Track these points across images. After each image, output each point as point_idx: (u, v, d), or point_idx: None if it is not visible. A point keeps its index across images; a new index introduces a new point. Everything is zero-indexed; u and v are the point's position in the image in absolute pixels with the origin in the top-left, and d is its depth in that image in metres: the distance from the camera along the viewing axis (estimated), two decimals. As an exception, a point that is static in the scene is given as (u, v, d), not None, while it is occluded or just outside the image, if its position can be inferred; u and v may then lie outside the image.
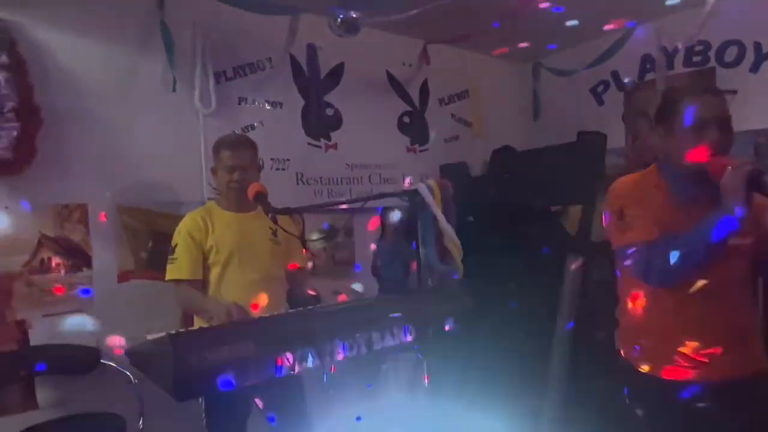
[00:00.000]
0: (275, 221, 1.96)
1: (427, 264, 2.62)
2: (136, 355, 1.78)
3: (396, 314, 1.87)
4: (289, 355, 1.64)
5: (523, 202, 3.10)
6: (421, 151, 3.94)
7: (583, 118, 4.16)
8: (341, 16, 2.62)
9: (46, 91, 2.47)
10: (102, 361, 2.51)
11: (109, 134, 2.68)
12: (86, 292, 2.55)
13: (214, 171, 2.28)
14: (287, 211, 2.11)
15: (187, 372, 1.43)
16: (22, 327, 2.41)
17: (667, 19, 3.55)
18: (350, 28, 2.69)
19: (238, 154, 2.18)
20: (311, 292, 2.36)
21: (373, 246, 3.62)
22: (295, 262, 2.41)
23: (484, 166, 4.14)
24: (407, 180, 3.85)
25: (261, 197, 2.08)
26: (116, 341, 2.54)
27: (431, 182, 2.60)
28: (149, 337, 1.75)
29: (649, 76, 3.85)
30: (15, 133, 2.23)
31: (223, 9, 2.79)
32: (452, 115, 4.18)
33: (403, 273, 3.73)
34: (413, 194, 2.53)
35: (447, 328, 2.12)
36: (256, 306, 2.19)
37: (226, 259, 2.18)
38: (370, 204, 2.04)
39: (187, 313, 2.53)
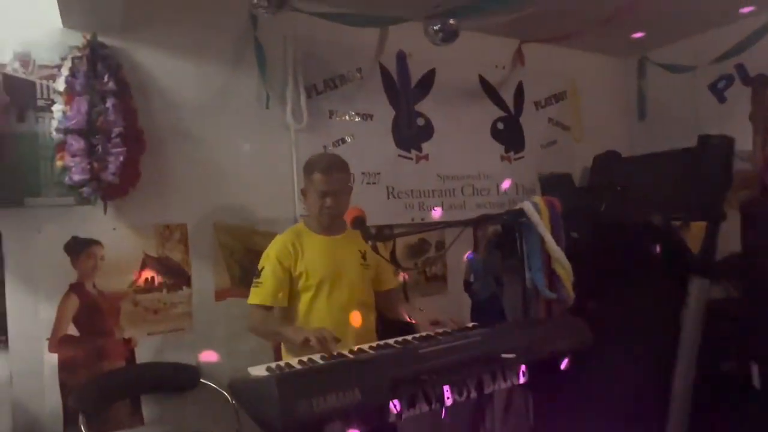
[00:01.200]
0: (376, 249, 1.85)
1: (534, 290, 2.43)
2: (239, 391, 1.74)
3: (509, 355, 1.70)
4: (396, 402, 1.53)
5: (638, 216, 2.79)
6: (516, 159, 3.71)
7: (700, 118, 3.74)
8: (438, 24, 2.47)
9: (147, 113, 2.53)
10: (201, 380, 2.53)
11: (206, 154, 2.71)
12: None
13: (304, 192, 2.19)
14: (387, 237, 2.00)
15: (294, 422, 1.34)
16: (129, 345, 2.48)
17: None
18: (447, 36, 2.54)
19: (331, 179, 2.07)
20: (407, 319, 2.23)
21: (465, 259, 3.45)
22: (385, 284, 2.29)
23: (585, 173, 3.83)
24: (505, 183, 3.63)
25: (359, 222, 1.99)
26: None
27: (537, 200, 2.40)
28: (251, 371, 1.71)
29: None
30: (122, 158, 2.27)
31: (313, 22, 2.73)
32: (549, 119, 3.91)
33: (495, 288, 3.53)
34: (518, 214, 2.35)
35: (563, 367, 1.93)
36: (356, 321, 2.10)
37: (317, 285, 2.10)
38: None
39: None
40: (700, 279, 2.65)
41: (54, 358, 2.33)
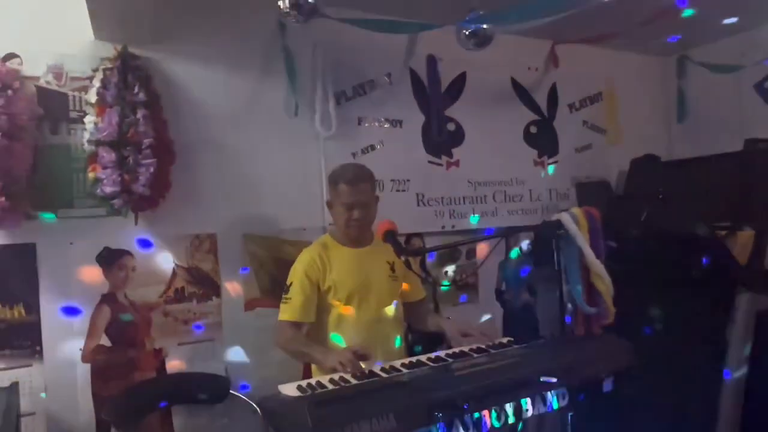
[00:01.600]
0: (409, 265, 1.80)
1: (572, 305, 2.33)
2: (269, 412, 1.70)
3: (549, 379, 1.62)
4: (432, 429, 1.48)
5: (680, 225, 2.66)
6: (549, 163, 3.60)
7: (744, 119, 3.57)
8: (471, 28, 2.39)
9: (177, 124, 2.52)
10: (231, 392, 2.51)
11: (235, 163, 2.69)
12: (198, 327, 2.59)
13: (329, 204, 2.15)
14: (418, 252, 1.94)
15: (327, 451, 1.31)
16: (159, 356, 2.48)
17: None
18: (481, 41, 2.45)
19: (357, 190, 2.01)
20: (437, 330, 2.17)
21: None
22: (413, 296, 2.23)
23: (622, 178, 3.70)
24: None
25: (391, 236, 1.93)
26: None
27: (576, 211, 2.30)
28: (282, 389, 1.67)
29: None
30: (152, 170, 2.27)
31: (341, 28, 2.68)
32: (584, 122, 3.79)
33: (528, 298, 3.43)
34: (555, 226, 2.26)
35: (606, 389, 1.84)
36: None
37: (346, 298, 2.05)
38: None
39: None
40: (748, 293, 2.51)
41: (87, 368, 2.35)
